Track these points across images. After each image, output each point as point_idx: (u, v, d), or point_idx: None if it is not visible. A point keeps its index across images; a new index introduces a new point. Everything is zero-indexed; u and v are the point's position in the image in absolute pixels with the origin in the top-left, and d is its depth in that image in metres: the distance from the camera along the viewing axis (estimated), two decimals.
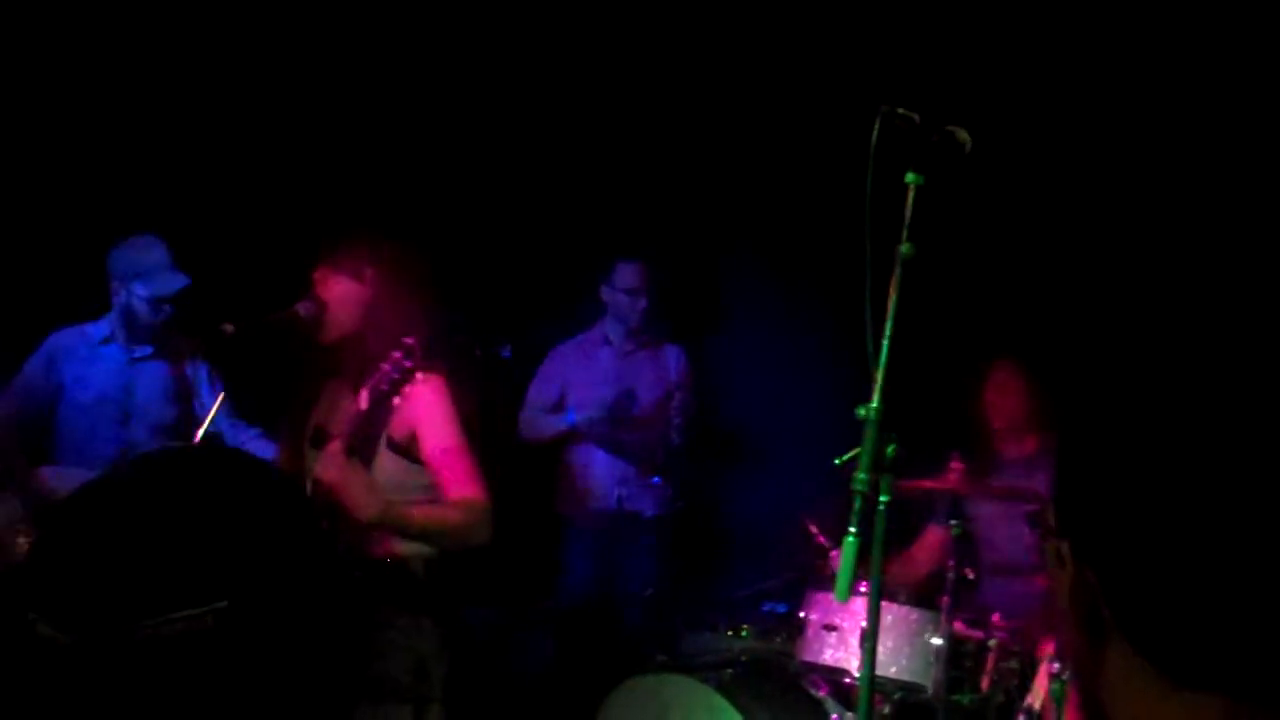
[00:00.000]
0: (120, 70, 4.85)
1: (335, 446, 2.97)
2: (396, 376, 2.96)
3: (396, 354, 2.98)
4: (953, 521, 3.83)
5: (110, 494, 1.00)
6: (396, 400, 3.00)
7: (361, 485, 2.94)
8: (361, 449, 3.03)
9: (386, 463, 3.13)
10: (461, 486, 3.12)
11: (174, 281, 4.09)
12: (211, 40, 4.96)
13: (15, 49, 4.68)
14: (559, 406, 5.07)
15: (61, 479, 3.91)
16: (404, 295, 3.23)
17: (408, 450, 3.16)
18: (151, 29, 4.88)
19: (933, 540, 4.38)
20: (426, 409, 3.15)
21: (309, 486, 2.99)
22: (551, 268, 5.43)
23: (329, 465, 2.96)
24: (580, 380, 5.05)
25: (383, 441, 3.14)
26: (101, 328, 4.22)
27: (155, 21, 4.87)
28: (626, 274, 5.04)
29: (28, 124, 4.72)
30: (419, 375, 2.96)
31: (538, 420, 5.10)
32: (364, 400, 3.01)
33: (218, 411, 4.15)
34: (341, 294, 3.25)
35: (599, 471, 5.03)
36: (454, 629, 3.30)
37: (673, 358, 5.19)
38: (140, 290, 4.08)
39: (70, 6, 4.79)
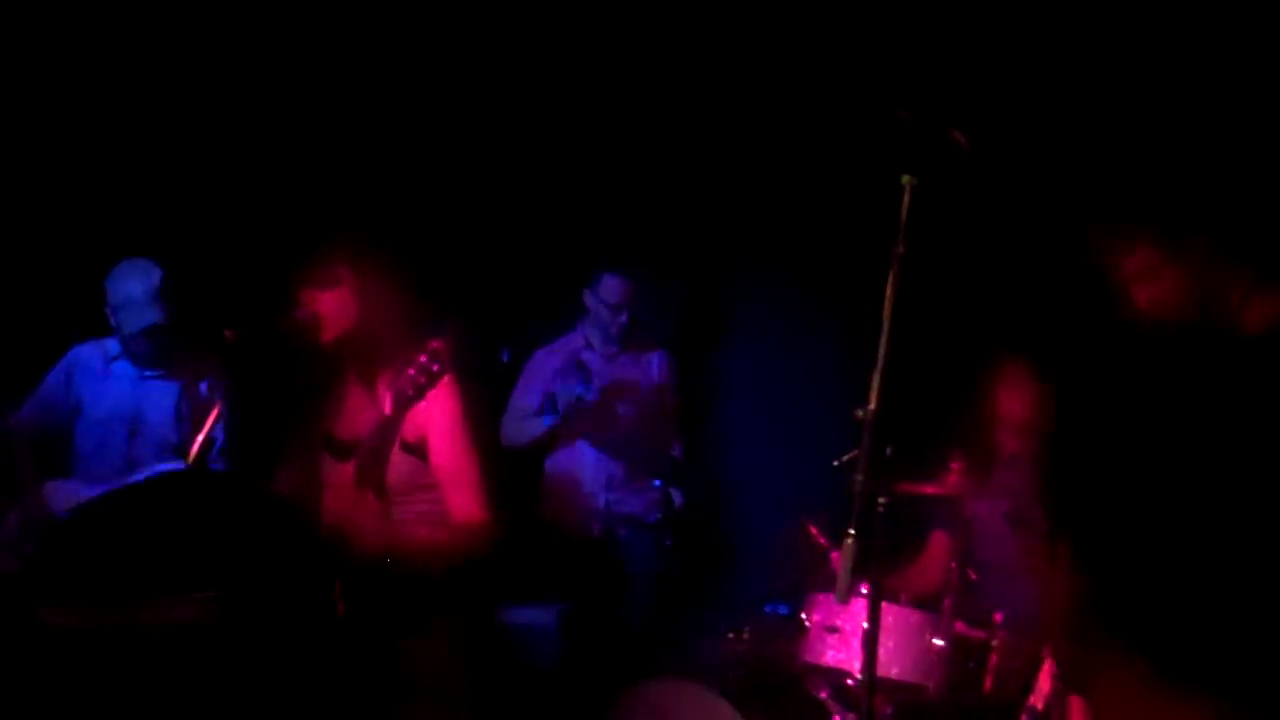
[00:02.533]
0: (114, 79, 4.87)
1: (346, 476, 2.97)
2: (423, 381, 2.93)
3: (422, 357, 2.95)
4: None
5: (121, 501, 1.05)
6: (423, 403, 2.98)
7: (370, 516, 2.95)
8: (376, 458, 3.02)
9: (397, 461, 3.13)
10: (465, 508, 3.13)
11: (144, 318, 4.03)
12: (208, 48, 4.97)
13: (25, 62, 4.70)
14: (541, 411, 5.04)
15: (60, 496, 3.91)
16: (390, 289, 3.22)
17: (419, 450, 3.16)
18: (155, 40, 4.89)
19: (939, 547, 4.37)
20: (438, 414, 3.15)
21: (320, 495, 3.00)
22: (553, 271, 5.43)
23: (340, 495, 2.96)
24: (562, 384, 5.03)
25: (396, 442, 3.14)
26: (115, 344, 4.22)
27: (159, 33, 4.89)
28: (611, 288, 4.99)
29: (34, 134, 4.73)
30: (447, 379, 2.94)
31: (519, 425, 5.07)
32: (388, 404, 3.00)
33: (214, 427, 4.15)
34: (328, 304, 3.24)
35: (588, 476, 5.01)
36: (474, 630, 3.30)
37: (655, 361, 5.17)
38: (117, 321, 4.09)
39: (78, 20, 4.81)
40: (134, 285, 4.03)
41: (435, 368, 2.93)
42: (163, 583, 0.97)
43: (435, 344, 2.95)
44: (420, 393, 2.95)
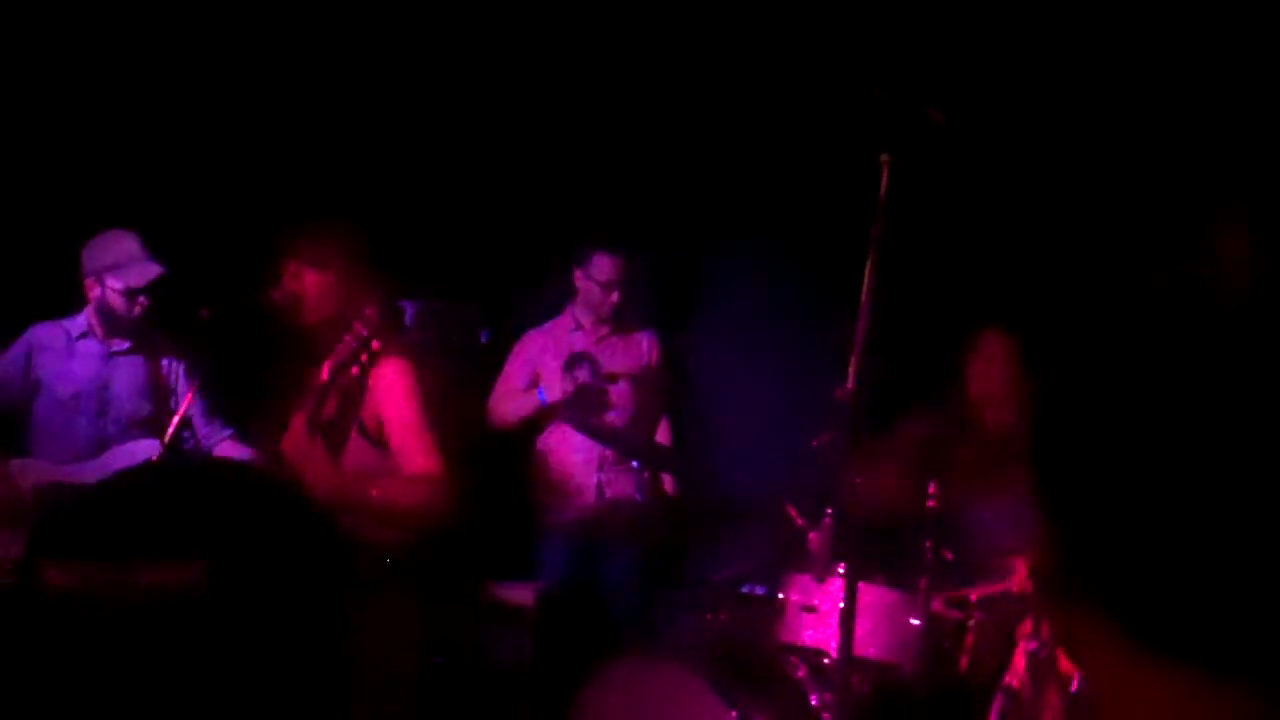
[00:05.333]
0: (94, 61, 4.82)
1: (299, 421, 2.99)
2: (355, 345, 2.99)
3: (356, 323, 3.01)
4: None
5: (125, 479, 1.07)
6: (355, 370, 3.02)
7: (320, 461, 2.97)
8: (330, 432, 3.04)
9: (356, 449, 3.13)
10: (417, 461, 3.12)
11: (148, 271, 4.07)
12: (182, 30, 4.93)
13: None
14: (533, 386, 4.99)
15: (27, 472, 3.90)
16: (374, 279, 3.23)
17: (377, 437, 3.16)
18: (125, 22, 4.84)
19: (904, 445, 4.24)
20: (389, 391, 3.16)
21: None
22: (535, 252, 5.41)
23: (290, 440, 2.99)
24: (552, 365, 4.99)
25: (354, 428, 3.14)
26: (79, 323, 4.21)
27: (129, 14, 4.84)
28: (603, 266, 4.92)
29: (12, 110, 4.69)
30: (375, 345, 2.99)
31: (506, 401, 5.02)
32: (325, 372, 3.04)
33: (190, 407, 4.14)
34: (312, 285, 3.25)
35: (579, 459, 4.96)
36: (434, 613, 3.30)
37: (646, 341, 5.14)
38: (115, 283, 4.07)
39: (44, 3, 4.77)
40: (130, 244, 4.08)
41: (365, 332, 3.01)
42: (158, 549, 0.99)
43: (369, 310, 3.02)
44: (353, 358, 3.02)
